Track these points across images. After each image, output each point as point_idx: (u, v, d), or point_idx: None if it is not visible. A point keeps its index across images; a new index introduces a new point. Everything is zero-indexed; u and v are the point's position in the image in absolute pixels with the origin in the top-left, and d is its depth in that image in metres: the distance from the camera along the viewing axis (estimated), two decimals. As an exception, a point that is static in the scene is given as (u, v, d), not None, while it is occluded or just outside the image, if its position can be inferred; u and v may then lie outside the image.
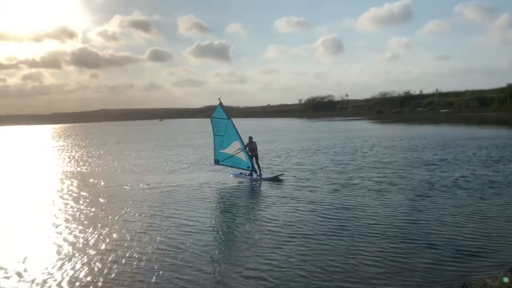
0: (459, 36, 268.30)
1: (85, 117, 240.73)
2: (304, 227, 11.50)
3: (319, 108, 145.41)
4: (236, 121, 21.16)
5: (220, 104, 20.21)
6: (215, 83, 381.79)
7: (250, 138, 20.06)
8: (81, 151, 41.68)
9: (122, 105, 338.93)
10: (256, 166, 19.80)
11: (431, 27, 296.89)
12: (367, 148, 31.03)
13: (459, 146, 29.43)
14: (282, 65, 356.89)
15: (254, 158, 19.88)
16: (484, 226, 10.95)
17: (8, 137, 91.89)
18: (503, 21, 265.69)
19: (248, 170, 19.81)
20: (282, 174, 19.78)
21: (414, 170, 19.98)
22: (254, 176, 19.71)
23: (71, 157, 35.91)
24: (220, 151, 20.26)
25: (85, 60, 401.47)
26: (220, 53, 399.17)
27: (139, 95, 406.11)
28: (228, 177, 20.40)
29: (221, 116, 20.10)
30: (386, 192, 15.43)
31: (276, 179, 18.81)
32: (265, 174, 19.88)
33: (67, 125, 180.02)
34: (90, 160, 32.55)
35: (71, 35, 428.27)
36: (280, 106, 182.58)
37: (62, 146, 52.31)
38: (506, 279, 7.62)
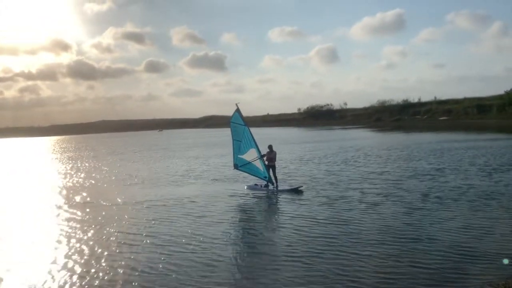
0: (453, 44, 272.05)
1: (84, 129, 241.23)
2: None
3: (318, 117, 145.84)
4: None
5: (238, 109, 19.49)
6: (212, 93, 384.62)
7: (270, 147, 19.03)
8: (103, 163, 41.51)
9: (121, 116, 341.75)
10: (273, 177, 18.80)
11: (425, 36, 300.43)
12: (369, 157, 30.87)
13: (457, 154, 29.36)
14: (279, 75, 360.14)
15: (271, 168, 18.83)
16: (480, 235, 10.84)
17: (7, 149, 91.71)
18: (495, 29, 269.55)
19: (265, 180, 18.94)
20: (301, 186, 18.68)
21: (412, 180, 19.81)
22: (270, 187, 18.72)
23: (84, 169, 35.76)
24: (239, 156, 19.63)
25: (81, 72, 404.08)
26: (216, 63, 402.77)
27: (137, 106, 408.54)
28: (242, 189, 19.49)
29: (238, 122, 19.46)
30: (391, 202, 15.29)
31: (295, 191, 17.81)
32: (283, 186, 18.89)
33: (67, 136, 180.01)
34: (117, 172, 32.40)
35: (65, 47, 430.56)
36: (279, 115, 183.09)
37: (71, 157, 52.16)
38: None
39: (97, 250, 11.05)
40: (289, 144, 51.10)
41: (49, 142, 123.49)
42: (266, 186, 18.88)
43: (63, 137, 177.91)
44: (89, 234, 12.74)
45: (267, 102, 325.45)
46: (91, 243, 11.78)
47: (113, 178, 26.75)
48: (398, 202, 14.76)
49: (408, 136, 56.34)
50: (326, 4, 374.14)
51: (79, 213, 15.93)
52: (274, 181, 18.73)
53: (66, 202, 18.49)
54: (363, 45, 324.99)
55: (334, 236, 11.17)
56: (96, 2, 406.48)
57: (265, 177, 18.89)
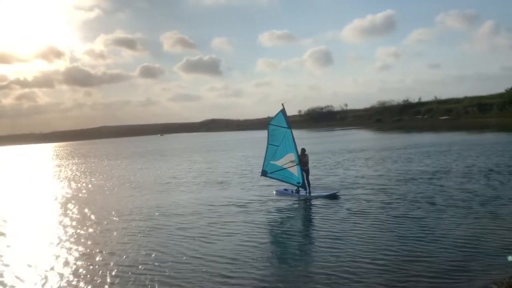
0: (446, 44, 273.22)
1: (85, 135, 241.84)
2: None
3: (319, 119, 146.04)
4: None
5: (283, 110, 18.15)
6: (211, 98, 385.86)
7: (303, 150, 18.06)
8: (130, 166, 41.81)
9: (121, 122, 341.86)
10: (306, 182, 17.85)
11: (416, 36, 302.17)
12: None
13: (456, 155, 29.55)
14: (275, 78, 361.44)
15: (305, 173, 17.85)
16: (482, 234, 11.10)
17: (8, 156, 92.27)
18: (486, 28, 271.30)
19: (298, 186, 17.86)
20: (339, 191, 17.73)
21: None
22: (302, 193, 17.75)
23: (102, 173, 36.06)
24: (271, 162, 18.29)
25: (77, 78, 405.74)
26: (211, 68, 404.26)
27: (137, 111, 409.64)
28: (270, 194, 18.65)
29: (281, 124, 18.02)
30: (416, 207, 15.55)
31: (333, 197, 16.82)
32: (317, 191, 17.90)
33: (69, 143, 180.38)
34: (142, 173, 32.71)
35: (58, 54, 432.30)
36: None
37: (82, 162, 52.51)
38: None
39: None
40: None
41: (55, 148, 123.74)
42: (297, 191, 17.96)
43: (65, 143, 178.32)
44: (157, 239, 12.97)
45: (267, 105, 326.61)
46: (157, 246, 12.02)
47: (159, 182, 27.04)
48: (402, 203, 14.99)
49: (420, 136, 56.48)
50: (314, 7, 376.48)
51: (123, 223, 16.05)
52: (306, 186, 17.85)
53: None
54: (356, 47, 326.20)
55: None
56: (84, 10, 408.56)
57: (298, 183, 17.74)
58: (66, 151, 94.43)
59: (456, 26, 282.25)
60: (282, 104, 18.29)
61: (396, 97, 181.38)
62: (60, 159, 63.34)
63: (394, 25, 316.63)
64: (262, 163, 18.82)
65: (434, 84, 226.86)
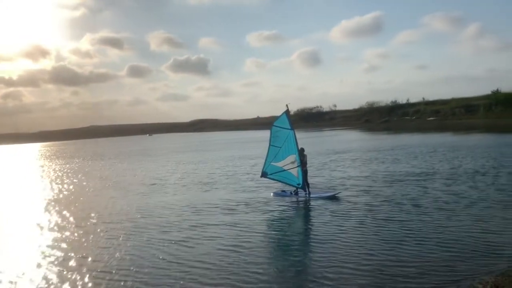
0: (433, 46, 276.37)
1: (73, 135, 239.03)
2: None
3: (309, 119, 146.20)
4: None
5: (287, 111, 17.95)
6: (199, 97, 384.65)
7: (302, 149, 17.79)
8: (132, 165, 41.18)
9: (109, 121, 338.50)
10: (305, 183, 17.64)
11: (403, 38, 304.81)
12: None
13: (441, 156, 29.65)
14: (263, 78, 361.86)
15: (304, 173, 17.64)
16: (468, 235, 11.04)
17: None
18: (472, 31, 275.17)
19: (297, 187, 17.70)
20: (340, 192, 17.57)
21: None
22: (301, 194, 17.59)
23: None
24: (272, 163, 17.99)
25: (64, 78, 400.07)
26: (199, 67, 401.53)
27: (125, 111, 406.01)
28: (268, 196, 18.21)
29: (284, 125, 17.76)
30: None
31: (333, 198, 16.66)
32: (316, 192, 17.70)
33: (56, 142, 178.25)
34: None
35: (44, 53, 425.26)
36: (269, 118, 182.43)
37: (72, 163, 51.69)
38: None
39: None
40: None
41: (41, 148, 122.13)
42: (296, 193, 17.81)
43: (51, 143, 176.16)
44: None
45: (256, 105, 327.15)
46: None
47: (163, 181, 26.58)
48: (387, 205, 14.87)
49: (408, 137, 56.77)
50: (302, 8, 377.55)
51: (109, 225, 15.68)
52: (306, 187, 17.62)
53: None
54: (344, 48, 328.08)
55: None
56: (69, 8, 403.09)
57: (298, 184, 17.56)
58: (51, 151, 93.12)
59: (442, 28, 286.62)
60: (287, 105, 18.04)
61: (384, 98, 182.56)
62: (44, 159, 62.38)
63: (382, 27, 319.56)
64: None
65: (422, 85, 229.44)
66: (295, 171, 17.51)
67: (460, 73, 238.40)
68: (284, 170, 17.71)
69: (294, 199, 17.33)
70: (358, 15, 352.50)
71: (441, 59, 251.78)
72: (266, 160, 18.27)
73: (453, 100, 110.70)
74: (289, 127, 17.66)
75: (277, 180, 18.46)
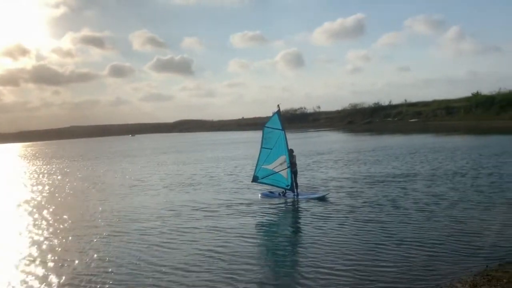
0: (415, 48, 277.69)
1: (54, 135, 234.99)
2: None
3: (293, 120, 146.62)
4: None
5: (278, 111, 17.70)
6: (183, 98, 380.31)
7: (291, 150, 17.53)
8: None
9: (91, 121, 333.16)
10: (294, 184, 17.50)
11: (386, 40, 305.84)
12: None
13: (424, 157, 29.93)
14: (248, 79, 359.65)
15: (293, 174, 17.51)
16: (447, 235, 11.09)
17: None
18: (452, 34, 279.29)
19: (286, 188, 17.51)
20: (328, 193, 17.49)
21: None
22: (290, 195, 17.43)
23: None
24: (263, 166, 17.71)
25: (44, 77, 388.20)
26: (183, 67, 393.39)
27: (107, 111, 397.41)
28: (255, 197, 17.96)
29: (276, 126, 17.49)
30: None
31: (322, 199, 16.58)
32: (304, 193, 17.63)
33: (37, 143, 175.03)
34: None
35: (24, 52, 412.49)
36: (254, 118, 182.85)
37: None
38: None
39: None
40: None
41: (21, 149, 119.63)
42: (284, 194, 17.63)
43: (32, 143, 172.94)
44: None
45: (240, 106, 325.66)
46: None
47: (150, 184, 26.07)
48: (367, 207, 14.87)
49: (390, 138, 57.27)
50: (284, 9, 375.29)
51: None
52: (294, 188, 17.45)
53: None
54: (327, 50, 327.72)
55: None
56: (50, 7, 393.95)
57: (287, 185, 17.42)
58: (32, 152, 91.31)
59: (424, 30, 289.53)
60: (278, 105, 17.86)
61: (367, 99, 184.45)
62: (23, 160, 61.07)
63: (364, 29, 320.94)
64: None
65: (404, 87, 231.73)
66: (285, 173, 17.36)
67: (441, 75, 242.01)
68: (275, 173, 17.53)
69: (281, 200, 17.13)
70: (341, 17, 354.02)
71: (422, 61, 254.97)
72: (257, 163, 17.98)
73: (434, 102, 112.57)
74: (280, 128, 17.46)
75: (268, 184, 18.17)
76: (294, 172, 17.50)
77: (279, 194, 17.76)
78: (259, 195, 18.22)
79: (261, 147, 17.81)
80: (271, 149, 17.54)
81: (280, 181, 17.54)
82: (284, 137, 17.26)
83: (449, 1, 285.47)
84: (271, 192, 18.17)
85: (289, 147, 17.54)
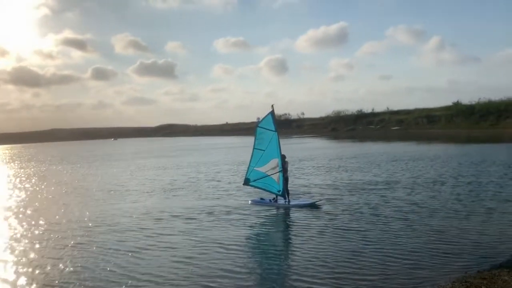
0: (396, 57, 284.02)
1: (34, 137, 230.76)
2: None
3: (277, 126, 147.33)
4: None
5: (272, 112, 17.19)
6: (166, 102, 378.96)
7: (283, 156, 16.99)
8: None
9: (73, 125, 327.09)
10: (285, 190, 17.03)
11: (368, 49, 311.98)
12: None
13: (404, 165, 30.19)
14: (231, 84, 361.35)
15: (284, 180, 17.01)
16: (427, 242, 11.11)
17: None
18: (433, 44, 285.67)
19: (277, 194, 17.02)
20: (320, 200, 17.21)
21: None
22: (281, 202, 16.99)
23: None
24: (255, 168, 17.14)
25: (25, 79, 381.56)
26: (166, 71, 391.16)
27: (89, 114, 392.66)
28: (236, 203, 17.63)
29: (269, 127, 16.97)
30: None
31: (313, 206, 16.23)
32: (296, 200, 17.29)
33: (16, 145, 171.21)
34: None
35: (3, 53, 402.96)
36: (237, 124, 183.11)
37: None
38: None
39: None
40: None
41: (2, 151, 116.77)
42: (276, 200, 17.18)
43: (11, 146, 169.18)
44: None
45: (224, 111, 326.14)
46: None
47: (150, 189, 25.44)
48: (347, 215, 14.84)
49: (372, 146, 57.67)
50: (269, 16, 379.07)
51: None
52: (286, 195, 16.97)
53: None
54: (310, 57, 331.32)
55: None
56: (30, 8, 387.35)
57: (279, 191, 16.89)
58: (10, 154, 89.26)
59: (405, 40, 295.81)
60: (272, 106, 17.37)
61: (350, 107, 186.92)
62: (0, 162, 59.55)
63: (347, 37, 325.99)
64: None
65: (386, 95, 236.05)
66: (276, 177, 16.87)
67: (422, 84, 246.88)
68: (267, 176, 17.01)
69: (263, 207, 16.86)
70: (324, 25, 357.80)
71: (404, 70, 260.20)
72: (249, 165, 17.41)
73: (416, 110, 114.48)
74: (274, 129, 16.97)
75: (259, 188, 17.60)
76: (285, 179, 17.04)
77: (270, 200, 17.34)
78: (249, 201, 17.77)
79: (254, 148, 17.28)
80: (264, 150, 17.00)
81: (272, 186, 17.00)
82: (277, 139, 16.77)
83: (430, 12, 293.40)
84: (262, 198, 17.73)
85: (283, 153, 17.10)
